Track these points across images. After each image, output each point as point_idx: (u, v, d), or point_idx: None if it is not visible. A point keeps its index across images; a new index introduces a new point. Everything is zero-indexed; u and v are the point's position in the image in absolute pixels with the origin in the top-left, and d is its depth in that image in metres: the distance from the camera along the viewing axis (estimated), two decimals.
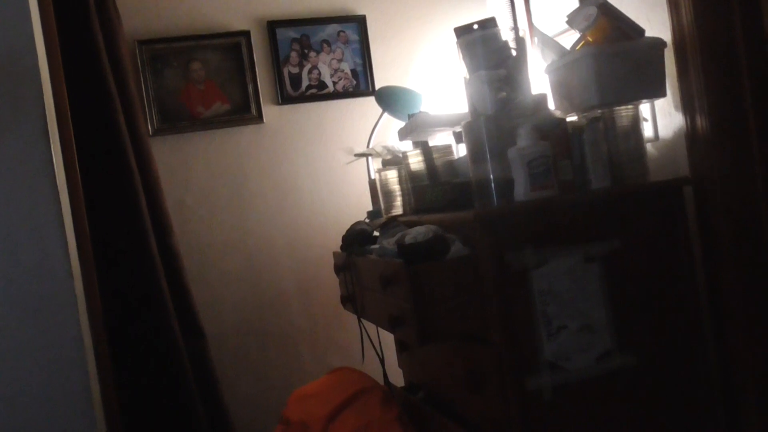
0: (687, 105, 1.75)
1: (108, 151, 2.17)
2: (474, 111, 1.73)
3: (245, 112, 2.65)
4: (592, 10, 1.73)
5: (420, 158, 2.06)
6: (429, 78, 2.80)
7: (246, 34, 2.65)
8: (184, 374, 2.22)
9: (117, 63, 2.26)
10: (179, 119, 2.59)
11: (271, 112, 2.69)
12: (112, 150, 2.17)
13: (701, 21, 1.68)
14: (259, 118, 2.66)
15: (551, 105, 1.82)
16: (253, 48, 2.66)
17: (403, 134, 2.30)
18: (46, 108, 1.66)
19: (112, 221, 2.16)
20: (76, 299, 1.66)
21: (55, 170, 1.67)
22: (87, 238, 1.84)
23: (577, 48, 1.79)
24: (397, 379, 2.39)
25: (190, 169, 2.62)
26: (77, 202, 1.81)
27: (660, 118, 1.89)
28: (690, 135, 1.75)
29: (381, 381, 2.15)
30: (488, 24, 1.78)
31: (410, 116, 2.25)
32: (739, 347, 1.68)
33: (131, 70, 2.37)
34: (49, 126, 1.67)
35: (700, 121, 1.71)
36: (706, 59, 1.68)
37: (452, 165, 2.05)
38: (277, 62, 2.68)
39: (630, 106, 1.73)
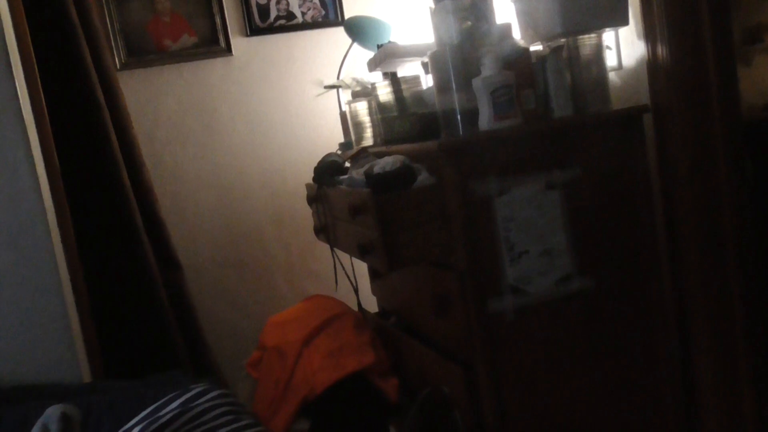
0: (649, 34, 1.77)
1: (74, 86, 2.15)
2: (440, 41, 1.74)
3: (213, 45, 2.62)
4: None
5: (389, 89, 2.07)
6: (398, 7, 2.77)
7: None
8: (161, 304, 2.27)
9: None
10: (146, 53, 2.55)
11: (239, 44, 2.67)
12: (79, 85, 2.15)
13: None
14: (227, 50, 2.63)
15: (516, 34, 1.83)
16: None
17: (372, 65, 2.30)
18: (7, 42, 1.65)
19: (83, 156, 2.16)
20: (50, 231, 1.69)
21: (21, 105, 1.67)
22: (57, 172, 1.85)
23: None
24: (371, 305, 2.47)
25: (160, 103, 2.61)
26: (45, 137, 1.81)
27: (623, 47, 1.91)
28: (651, 64, 1.78)
29: (355, 307, 2.22)
30: None
31: (379, 47, 2.25)
32: (692, 270, 1.76)
33: (95, 4, 2.32)
34: (12, 61, 1.66)
35: (660, 50, 1.74)
36: None
37: (420, 95, 2.06)
38: None
39: (593, 35, 1.75)
